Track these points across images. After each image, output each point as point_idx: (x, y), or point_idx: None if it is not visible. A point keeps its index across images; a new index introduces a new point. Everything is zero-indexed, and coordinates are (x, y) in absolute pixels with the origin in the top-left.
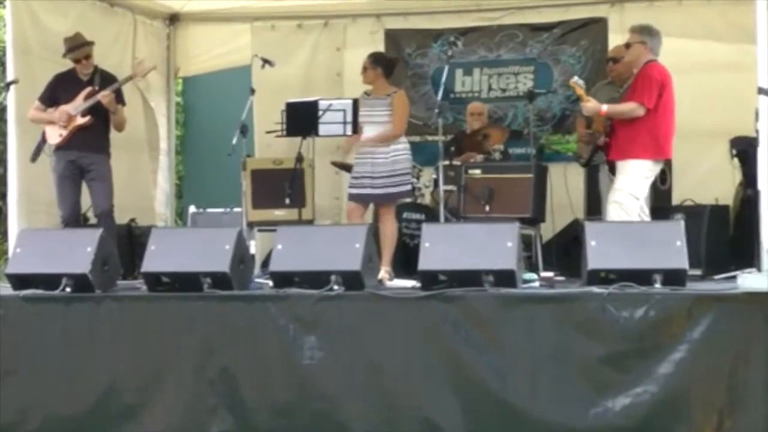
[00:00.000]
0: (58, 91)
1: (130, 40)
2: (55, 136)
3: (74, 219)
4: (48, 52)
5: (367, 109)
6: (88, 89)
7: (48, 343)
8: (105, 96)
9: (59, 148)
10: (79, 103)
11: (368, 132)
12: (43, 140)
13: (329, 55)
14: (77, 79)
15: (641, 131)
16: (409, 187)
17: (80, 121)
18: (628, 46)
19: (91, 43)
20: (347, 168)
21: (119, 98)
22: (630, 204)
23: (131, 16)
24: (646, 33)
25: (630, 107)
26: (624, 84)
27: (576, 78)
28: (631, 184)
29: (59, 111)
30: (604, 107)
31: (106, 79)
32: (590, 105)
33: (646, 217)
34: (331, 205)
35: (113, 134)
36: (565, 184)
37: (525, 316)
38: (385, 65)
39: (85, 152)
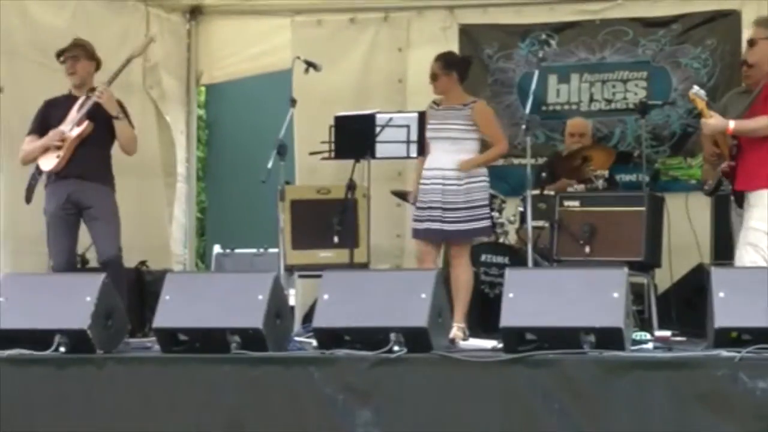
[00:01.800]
0: (49, 118)
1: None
2: (50, 161)
3: (68, 270)
4: (40, 54)
5: (436, 122)
6: (81, 98)
7: (38, 415)
8: (102, 93)
9: (57, 175)
10: (72, 116)
11: (437, 150)
12: (38, 172)
13: (389, 56)
14: (72, 100)
15: None
16: (488, 223)
17: (77, 130)
18: (752, 43)
19: (85, 49)
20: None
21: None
22: None
23: (143, 8)
24: None
25: (764, 123)
26: None
27: (696, 88)
28: None
29: (52, 132)
30: (732, 124)
31: None
32: (713, 122)
33: None
34: (391, 245)
35: (117, 156)
36: (688, 219)
37: (634, 386)
38: (459, 68)
39: (84, 181)
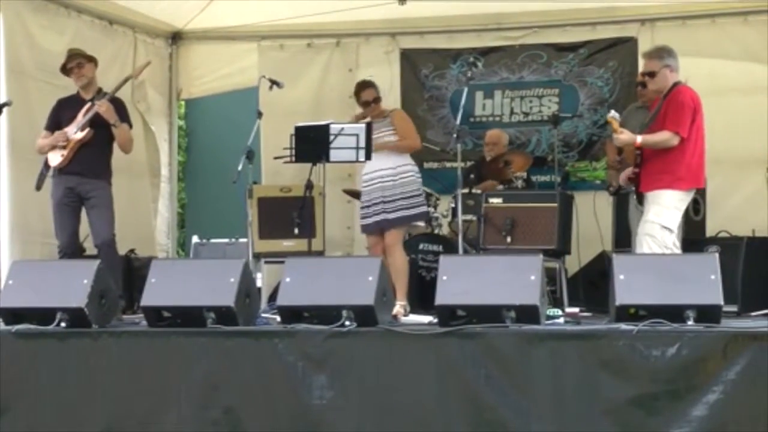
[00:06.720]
0: (60, 116)
1: (130, 60)
2: (56, 158)
3: (72, 249)
4: (43, 73)
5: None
6: (87, 105)
7: (42, 381)
8: (101, 105)
9: (60, 170)
10: (79, 119)
11: (376, 156)
12: (46, 166)
13: (341, 76)
14: (81, 101)
15: (674, 161)
16: (423, 209)
17: (79, 135)
18: (652, 74)
19: (84, 56)
20: (360, 196)
21: (123, 116)
22: (664, 237)
23: (131, 34)
24: (666, 55)
25: (665, 137)
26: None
27: (613, 112)
28: (663, 216)
29: (58, 132)
30: (639, 138)
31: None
32: (624, 137)
33: (678, 251)
34: (343, 236)
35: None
36: (593, 214)
37: (549, 355)
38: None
39: (86, 178)
